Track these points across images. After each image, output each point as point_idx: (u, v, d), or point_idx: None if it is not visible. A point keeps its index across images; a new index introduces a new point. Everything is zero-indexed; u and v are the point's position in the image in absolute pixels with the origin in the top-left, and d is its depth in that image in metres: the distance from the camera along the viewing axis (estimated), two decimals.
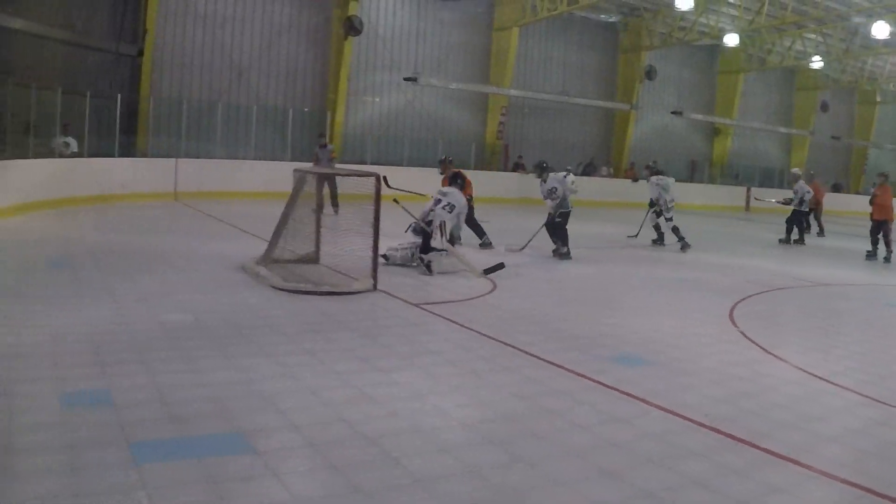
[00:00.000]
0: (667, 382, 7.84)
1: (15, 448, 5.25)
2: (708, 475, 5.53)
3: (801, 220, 24.38)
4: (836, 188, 47.53)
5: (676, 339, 9.88)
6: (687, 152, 44.36)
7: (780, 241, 24.29)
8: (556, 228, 16.65)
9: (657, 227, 20.57)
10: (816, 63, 41.78)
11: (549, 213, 16.74)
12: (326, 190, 16.10)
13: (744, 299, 13.11)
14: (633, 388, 7.46)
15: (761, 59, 43.18)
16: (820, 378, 8.37)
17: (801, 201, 23.81)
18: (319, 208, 13.98)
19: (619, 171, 39.67)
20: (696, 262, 17.91)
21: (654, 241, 20.63)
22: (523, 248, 17.40)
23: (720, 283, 14.82)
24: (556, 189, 16.56)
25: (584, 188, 33.75)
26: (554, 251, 16.72)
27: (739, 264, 18.11)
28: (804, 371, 8.64)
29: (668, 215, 20.26)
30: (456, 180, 14.85)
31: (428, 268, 13.74)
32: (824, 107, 48.27)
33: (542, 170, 17.18)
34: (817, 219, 28.67)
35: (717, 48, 42.84)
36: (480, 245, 17.09)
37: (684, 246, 20.06)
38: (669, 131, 43.70)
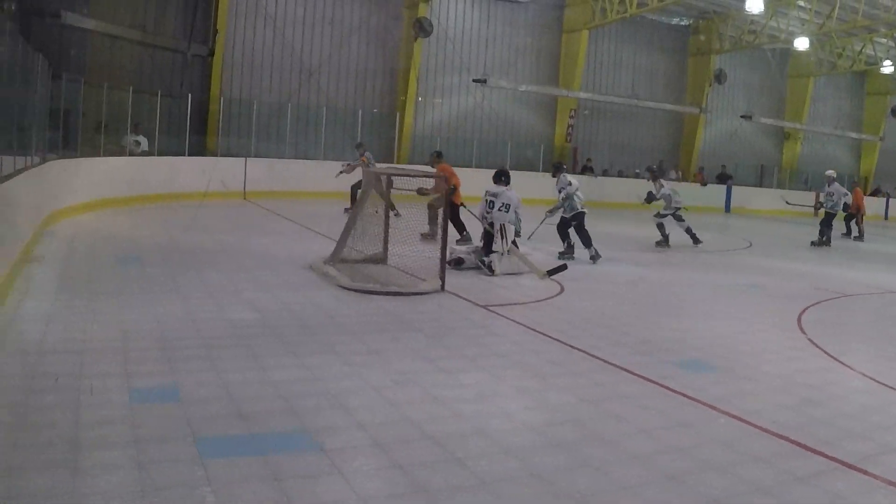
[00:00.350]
0: (733, 388, 7.72)
1: (82, 443, 5.29)
2: (772, 482, 5.43)
3: (831, 223, 24.41)
4: None
5: (743, 345, 9.74)
6: (756, 157, 43.86)
7: (813, 243, 24.01)
8: (576, 230, 16.54)
9: (689, 231, 20.41)
10: (887, 68, 41.09)
11: (562, 215, 16.68)
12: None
13: (812, 305, 12.89)
14: (699, 393, 7.36)
15: (831, 64, 42.48)
16: (889, 387, 8.17)
17: (845, 205, 24.06)
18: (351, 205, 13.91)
19: (688, 175, 39.39)
20: (765, 268, 17.66)
21: (694, 242, 20.50)
22: (530, 237, 17.49)
23: (788, 289, 14.58)
24: (560, 190, 16.58)
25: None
26: (560, 253, 16.48)
27: (808, 270, 17.82)
28: (873, 379, 8.44)
29: (665, 211, 20.12)
30: (501, 178, 14.71)
31: (489, 268, 13.71)
32: (895, 112, 47.56)
33: (555, 169, 17.28)
34: (858, 224, 28.48)
35: (788, 52, 42.26)
36: (457, 241, 16.79)
37: (661, 243, 20.23)
38: (738, 135, 43.24)
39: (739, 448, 6.06)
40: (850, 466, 5.80)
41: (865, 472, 5.71)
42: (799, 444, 6.18)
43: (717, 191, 37.76)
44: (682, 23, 40.25)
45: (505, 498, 4.93)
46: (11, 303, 9.24)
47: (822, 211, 24.95)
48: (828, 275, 17.23)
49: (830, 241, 24.19)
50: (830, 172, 25.07)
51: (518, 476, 5.26)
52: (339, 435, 5.74)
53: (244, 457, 5.24)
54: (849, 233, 27.70)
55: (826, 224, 24.23)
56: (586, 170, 36.07)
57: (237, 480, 4.88)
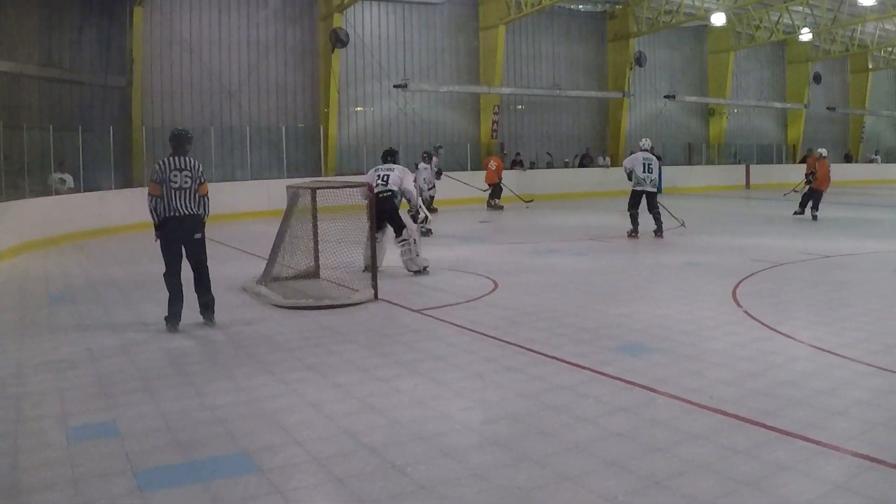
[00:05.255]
0: (671, 368, 7.82)
1: (22, 487, 5.27)
2: (714, 458, 5.51)
3: (652, 205, 19.62)
4: (847, 158, 48.51)
5: (681, 324, 9.83)
6: (683, 136, 44.25)
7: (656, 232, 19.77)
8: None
9: None
10: (805, 35, 41.67)
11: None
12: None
13: (746, 278, 13.07)
14: (637, 376, 7.46)
15: (750, 36, 42.78)
16: (826, 351, 8.33)
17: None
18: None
19: (617, 161, 39.57)
20: (700, 245, 17.85)
21: None
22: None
23: (724, 264, 14.75)
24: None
25: (583, 179, 34.01)
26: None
27: (743, 243, 18.05)
28: (810, 346, 8.60)
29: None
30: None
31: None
32: (817, 78, 48.40)
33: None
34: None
35: (705, 29, 42.93)
36: None
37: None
38: (664, 116, 43.58)
39: (679, 427, 6.14)
40: (790, 434, 5.92)
41: (806, 439, 5.82)
42: (738, 418, 6.29)
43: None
44: (598, 9, 40.40)
45: (446, 500, 4.97)
46: None
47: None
48: (763, 246, 17.45)
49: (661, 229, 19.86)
50: (644, 142, 20.41)
51: (458, 477, 5.30)
52: (277, 454, 5.75)
53: (184, 486, 5.24)
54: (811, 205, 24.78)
55: (633, 205, 19.73)
56: (515, 164, 36.22)
57: None
